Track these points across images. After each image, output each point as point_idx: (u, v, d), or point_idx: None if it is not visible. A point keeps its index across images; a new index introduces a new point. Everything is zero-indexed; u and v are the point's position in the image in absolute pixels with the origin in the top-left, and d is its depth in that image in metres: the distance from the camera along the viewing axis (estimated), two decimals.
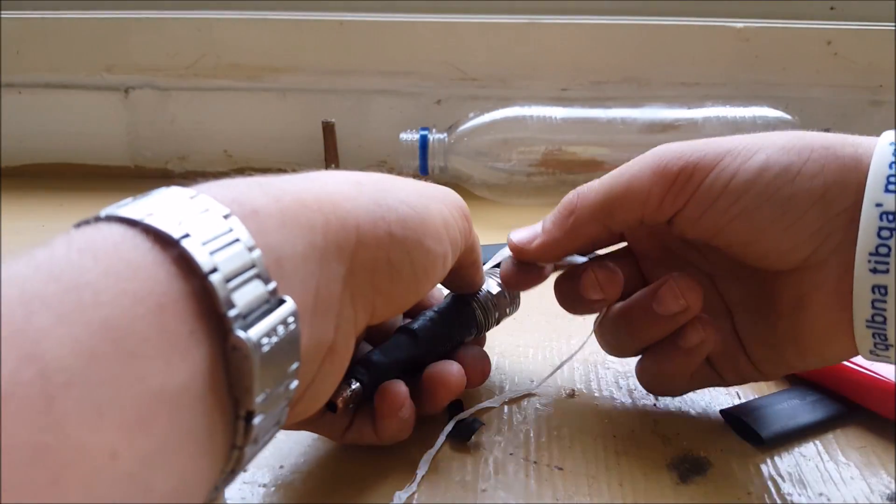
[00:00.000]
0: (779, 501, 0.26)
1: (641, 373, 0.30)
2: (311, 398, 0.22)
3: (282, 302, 0.18)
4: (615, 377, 0.34)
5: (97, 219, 0.17)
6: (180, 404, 0.15)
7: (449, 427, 0.29)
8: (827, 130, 0.53)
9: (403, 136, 0.55)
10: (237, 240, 0.17)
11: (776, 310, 0.26)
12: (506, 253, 0.31)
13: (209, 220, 0.17)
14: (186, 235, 0.16)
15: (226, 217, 0.18)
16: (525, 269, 0.30)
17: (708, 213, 0.25)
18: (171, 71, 0.59)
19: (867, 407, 0.30)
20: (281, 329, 0.18)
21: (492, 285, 0.32)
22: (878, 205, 0.22)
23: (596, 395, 0.32)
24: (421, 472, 0.28)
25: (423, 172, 0.55)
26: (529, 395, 0.32)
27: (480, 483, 0.27)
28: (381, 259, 0.23)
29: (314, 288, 0.20)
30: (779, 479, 0.27)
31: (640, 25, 0.56)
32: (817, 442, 0.29)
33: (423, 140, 0.54)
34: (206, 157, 0.63)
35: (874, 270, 0.22)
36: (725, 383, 0.29)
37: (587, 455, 0.28)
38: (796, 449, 0.29)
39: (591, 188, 0.28)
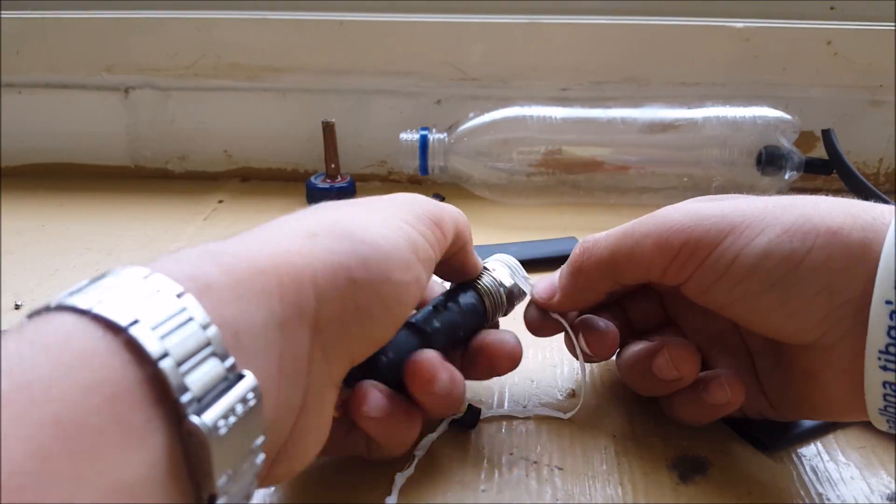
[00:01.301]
0: (779, 501, 0.26)
1: (666, 408, 0.30)
2: (292, 458, 0.21)
3: (241, 377, 0.18)
4: (615, 377, 0.34)
5: (48, 309, 0.17)
6: (140, 495, 0.15)
7: (445, 424, 0.30)
8: (827, 130, 0.53)
9: (403, 136, 0.55)
10: (190, 319, 0.17)
11: (791, 371, 0.26)
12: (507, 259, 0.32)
13: (161, 301, 0.17)
14: (135, 322, 0.16)
15: (179, 296, 0.17)
16: (549, 318, 0.31)
17: (712, 289, 0.25)
18: (171, 71, 0.59)
19: None
20: (240, 407, 0.17)
21: (495, 272, 0.31)
22: (889, 302, 0.21)
23: (596, 395, 0.32)
24: (419, 454, 0.28)
25: (423, 172, 0.55)
26: (552, 416, 0.32)
27: (480, 483, 0.27)
28: (348, 308, 0.22)
29: (277, 356, 0.20)
30: (779, 479, 0.27)
31: (640, 25, 0.56)
32: (817, 442, 0.29)
33: (423, 140, 0.54)
34: (206, 157, 0.63)
35: (885, 368, 0.22)
36: (745, 416, 0.29)
37: (587, 455, 0.28)
38: (796, 449, 0.29)
39: (598, 246, 0.28)
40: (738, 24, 0.56)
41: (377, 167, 0.63)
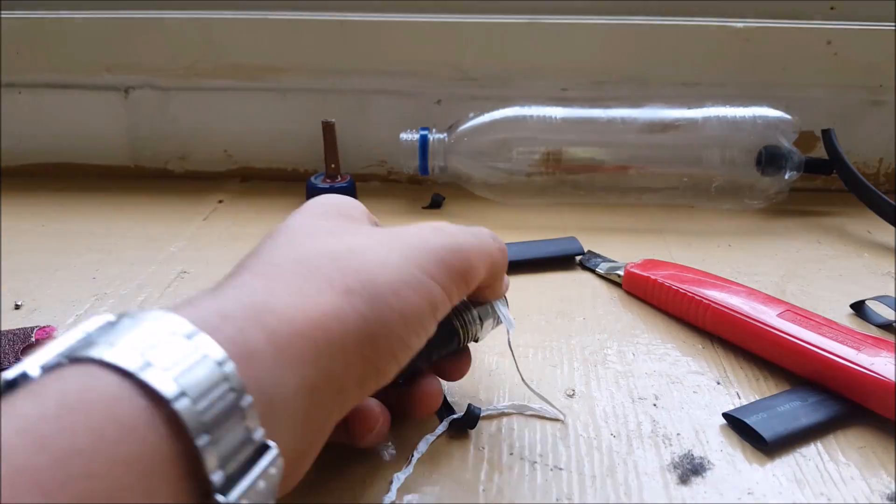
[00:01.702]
0: (778, 501, 0.26)
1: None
2: (287, 482, 0.22)
3: (266, 448, 0.18)
4: (615, 377, 0.34)
5: (90, 360, 0.16)
6: None
7: (445, 424, 0.30)
8: (827, 130, 0.53)
9: (403, 136, 0.55)
10: (230, 391, 0.17)
11: None
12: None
13: (204, 371, 0.17)
14: (181, 395, 0.16)
15: (220, 364, 0.17)
16: None
17: None
18: (171, 71, 0.59)
19: (867, 407, 0.30)
20: (262, 484, 0.17)
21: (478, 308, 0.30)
22: None
23: (596, 395, 0.32)
24: (418, 453, 0.28)
25: (423, 172, 0.55)
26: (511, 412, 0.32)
27: (480, 483, 0.27)
28: (368, 371, 0.22)
29: (303, 419, 0.20)
30: (779, 480, 0.27)
31: (640, 25, 0.56)
32: (817, 442, 0.29)
33: (423, 140, 0.54)
34: (206, 157, 0.63)
35: None
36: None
37: (587, 455, 0.28)
38: (796, 449, 0.29)
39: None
40: (738, 24, 0.56)
41: (377, 167, 0.63)
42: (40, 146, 0.63)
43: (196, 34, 0.58)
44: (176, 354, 0.17)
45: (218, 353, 0.17)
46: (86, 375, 0.16)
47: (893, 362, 0.30)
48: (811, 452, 0.28)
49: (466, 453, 0.28)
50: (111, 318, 0.18)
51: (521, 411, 0.31)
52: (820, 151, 0.55)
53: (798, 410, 0.30)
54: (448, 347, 0.29)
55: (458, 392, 0.32)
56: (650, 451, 0.29)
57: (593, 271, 0.45)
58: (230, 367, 0.17)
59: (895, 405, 0.29)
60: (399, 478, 0.27)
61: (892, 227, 0.50)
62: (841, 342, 0.32)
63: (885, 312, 0.39)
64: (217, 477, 0.16)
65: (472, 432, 0.30)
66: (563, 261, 0.46)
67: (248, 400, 0.17)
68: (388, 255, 0.24)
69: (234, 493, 0.17)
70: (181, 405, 0.16)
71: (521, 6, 0.59)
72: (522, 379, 0.31)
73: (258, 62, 0.59)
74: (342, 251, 0.24)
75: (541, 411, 0.31)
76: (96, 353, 0.16)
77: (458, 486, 0.27)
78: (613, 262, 0.45)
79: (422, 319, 0.23)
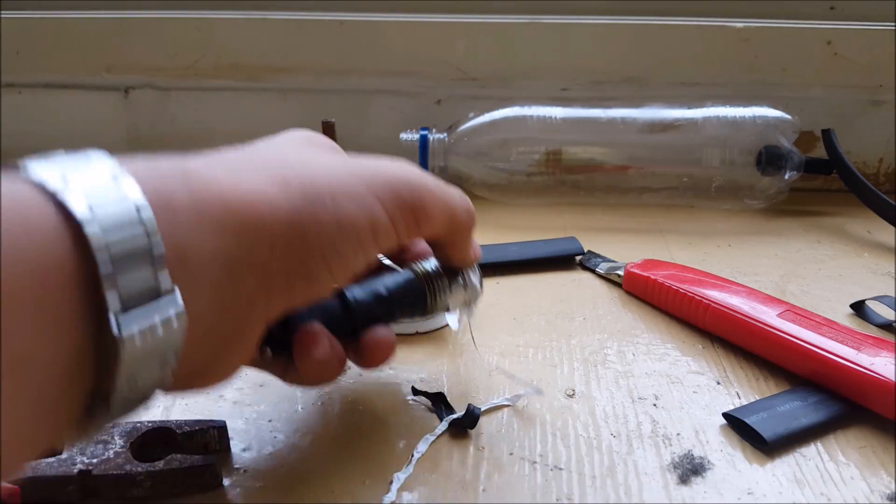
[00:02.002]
0: (778, 502, 0.26)
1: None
2: (211, 375, 0.23)
3: (173, 299, 0.18)
4: (615, 377, 0.34)
5: (19, 169, 0.17)
6: (39, 374, 0.16)
7: (445, 424, 0.30)
8: (827, 130, 0.53)
9: (403, 136, 0.55)
10: (142, 229, 0.17)
11: None
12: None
13: (122, 208, 0.17)
14: (90, 220, 0.17)
15: (138, 209, 0.18)
16: None
17: None
18: (171, 71, 0.59)
19: (867, 407, 0.30)
20: (160, 332, 0.18)
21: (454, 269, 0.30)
22: None
23: (596, 395, 0.32)
24: (418, 453, 0.28)
25: None
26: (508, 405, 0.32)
27: (480, 483, 0.27)
28: (296, 266, 0.22)
29: (218, 290, 0.20)
30: (779, 480, 0.27)
31: (640, 25, 0.56)
32: (817, 442, 0.29)
33: (423, 140, 0.54)
34: None
35: None
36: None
37: (587, 455, 0.28)
38: (796, 449, 0.29)
39: None
40: (738, 24, 0.56)
41: None
42: (40, 146, 0.63)
43: (196, 34, 0.58)
44: (98, 187, 0.17)
45: (138, 196, 0.18)
46: (14, 182, 0.17)
47: (893, 362, 0.30)
48: (811, 452, 0.28)
49: (466, 453, 0.28)
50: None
51: (514, 402, 0.31)
52: (820, 151, 0.55)
53: (798, 410, 0.30)
54: (414, 309, 0.29)
55: (458, 392, 0.32)
56: (650, 451, 0.29)
57: (593, 271, 0.45)
58: (147, 213, 0.18)
59: (895, 405, 0.29)
60: (399, 478, 0.27)
61: (892, 227, 0.50)
62: (841, 342, 0.32)
63: (885, 312, 0.39)
64: (113, 301, 0.16)
65: (472, 432, 0.30)
66: (563, 261, 0.46)
67: (160, 248, 0.18)
68: (337, 167, 0.24)
69: (130, 326, 0.17)
70: (91, 229, 0.16)
71: (521, 6, 0.59)
72: (476, 347, 0.31)
73: (258, 62, 0.59)
74: (292, 158, 0.24)
75: (528, 393, 0.31)
76: (30, 166, 0.17)
77: (459, 486, 0.27)
78: (613, 262, 0.45)
79: (358, 232, 0.23)
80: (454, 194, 0.27)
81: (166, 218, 0.18)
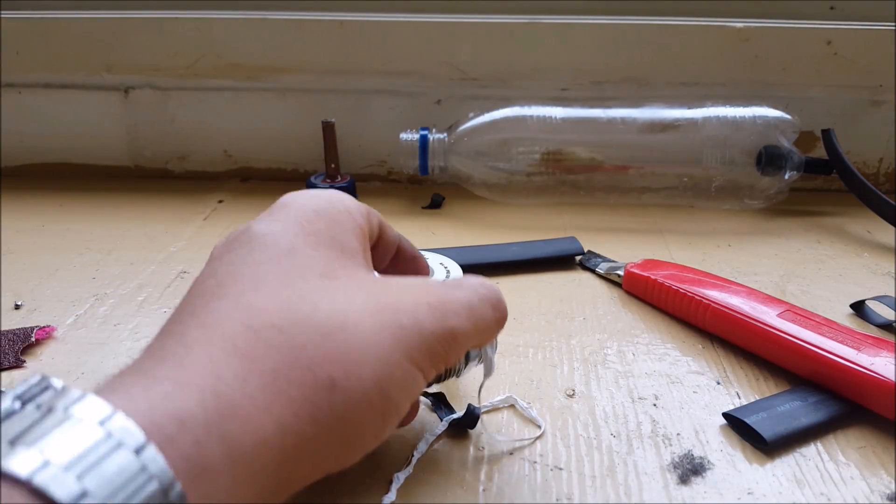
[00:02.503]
0: (778, 502, 0.26)
1: None
2: None
3: None
4: (615, 377, 0.34)
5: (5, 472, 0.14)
6: None
7: (445, 424, 0.30)
8: (827, 130, 0.53)
9: (403, 136, 0.55)
10: None
11: None
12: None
13: (147, 499, 0.15)
14: None
15: (165, 491, 0.15)
16: None
17: None
18: (171, 71, 0.59)
19: (867, 407, 0.30)
20: None
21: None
22: None
23: (596, 395, 0.32)
24: (418, 453, 0.28)
25: (423, 172, 0.55)
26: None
27: (480, 483, 0.27)
28: (335, 463, 0.21)
29: None
30: (779, 480, 0.27)
31: (640, 25, 0.56)
32: (817, 442, 0.29)
33: (423, 140, 0.54)
34: (206, 157, 0.63)
35: None
36: None
37: (587, 455, 0.28)
38: (796, 449, 0.29)
39: None
40: (738, 24, 0.56)
41: (377, 167, 0.63)
42: (40, 146, 0.63)
43: (196, 34, 0.58)
44: (117, 479, 0.15)
45: (167, 475, 0.15)
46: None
47: (893, 362, 0.30)
48: (811, 452, 0.28)
49: (466, 453, 0.28)
50: (55, 384, 0.16)
51: (513, 402, 0.31)
52: (820, 151, 0.55)
53: (798, 410, 0.30)
54: (430, 383, 0.29)
55: (458, 392, 0.32)
56: (650, 451, 0.29)
57: (593, 271, 0.45)
58: (177, 491, 0.15)
59: (895, 405, 0.29)
60: (399, 478, 0.27)
61: (892, 227, 0.50)
62: (841, 342, 0.32)
63: (885, 312, 0.39)
64: None
65: (472, 432, 0.30)
66: (563, 261, 0.46)
67: None
68: (380, 337, 0.21)
69: None
70: None
71: (521, 6, 0.59)
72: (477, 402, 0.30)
73: (258, 62, 0.59)
74: (334, 325, 0.20)
75: (526, 412, 0.31)
76: (13, 465, 0.14)
77: (458, 486, 0.27)
78: (613, 262, 0.45)
79: (398, 411, 0.21)
80: (486, 313, 0.24)
81: (199, 488, 0.16)
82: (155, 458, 0.15)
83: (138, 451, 0.15)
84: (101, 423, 0.15)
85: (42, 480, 0.14)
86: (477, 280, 0.24)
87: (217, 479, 0.17)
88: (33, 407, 0.16)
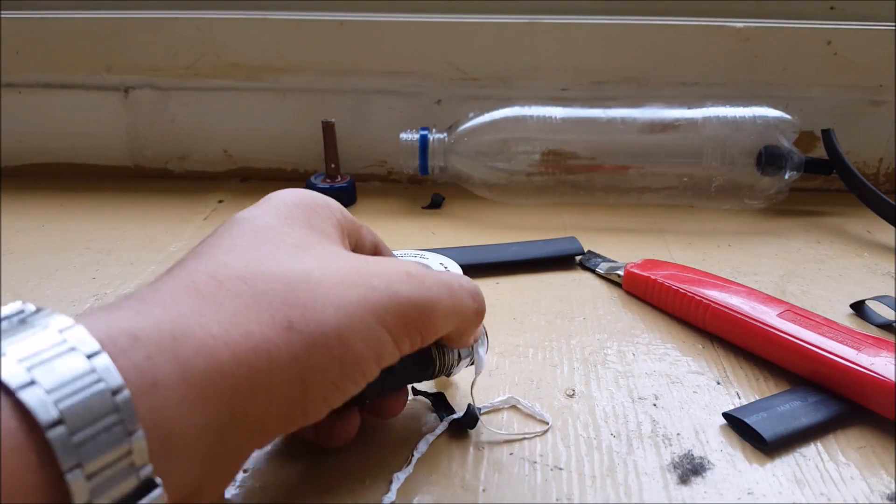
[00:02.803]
0: (778, 502, 0.26)
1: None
2: (200, 497, 0.20)
3: (153, 486, 0.17)
4: (615, 377, 0.34)
5: None
6: None
7: (445, 424, 0.30)
8: (827, 130, 0.53)
9: (403, 135, 0.55)
10: (118, 423, 0.16)
11: None
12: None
13: (93, 399, 0.16)
14: (60, 422, 0.15)
15: (114, 392, 0.16)
16: None
17: None
18: (171, 71, 0.59)
19: (867, 407, 0.30)
20: None
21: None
22: None
23: (596, 395, 0.32)
24: (418, 453, 0.28)
25: (423, 172, 0.55)
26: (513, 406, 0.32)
27: (480, 483, 0.27)
28: (294, 409, 0.21)
29: (205, 457, 0.19)
30: (779, 480, 0.27)
31: (640, 25, 0.56)
32: (817, 442, 0.29)
33: (423, 140, 0.54)
34: (206, 157, 0.63)
35: None
36: None
37: (587, 455, 0.28)
38: (796, 449, 0.29)
39: None
40: (738, 24, 0.56)
41: (377, 167, 0.63)
42: (40, 146, 0.63)
43: (196, 34, 0.58)
44: (66, 374, 0.16)
45: (115, 379, 0.16)
46: None
47: (893, 362, 0.30)
48: (811, 452, 0.28)
49: (466, 453, 0.28)
50: (28, 308, 0.17)
51: (514, 403, 0.31)
52: (820, 151, 0.55)
53: (798, 410, 0.30)
54: (421, 377, 0.29)
55: (458, 392, 0.32)
56: (650, 451, 0.29)
57: (593, 271, 0.45)
58: (125, 396, 0.16)
59: (895, 405, 0.29)
60: (399, 478, 0.27)
61: (892, 227, 0.50)
62: (841, 342, 0.32)
63: (885, 312, 0.39)
64: (80, 493, 0.15)
65: (472, 432, 0.30)
66: (563, 261, 0.46)
67: (138, 435, 0.16)
68: (346, 293, 0.22)
69: None
70: (55, 433, 0.15)
71: (521, 6, 0.59)
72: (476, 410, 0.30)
73: (258, 62, 0.59)
74: (298, 277, 0.21)
75: (530, 409, 0.31)
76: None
77: (459, 486, 0.27)
78: (613, 262, 0.45)
79: (362, 368, 0.22)
80: (465, 298, 0.25)
81: (149, 401, 0.17)
82: (106, 364, 0.16)
83: (90, 356, 0.16)
84: (61, 331, 0.16)
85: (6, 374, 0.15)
86: (458, 272, 0.26)
87: (167, 395, 0.17)
88: (14, 322, 0.17)
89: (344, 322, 0.21)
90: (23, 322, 0.17)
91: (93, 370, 0.16)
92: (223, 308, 0.20)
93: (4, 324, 0.17)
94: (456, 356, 0.29)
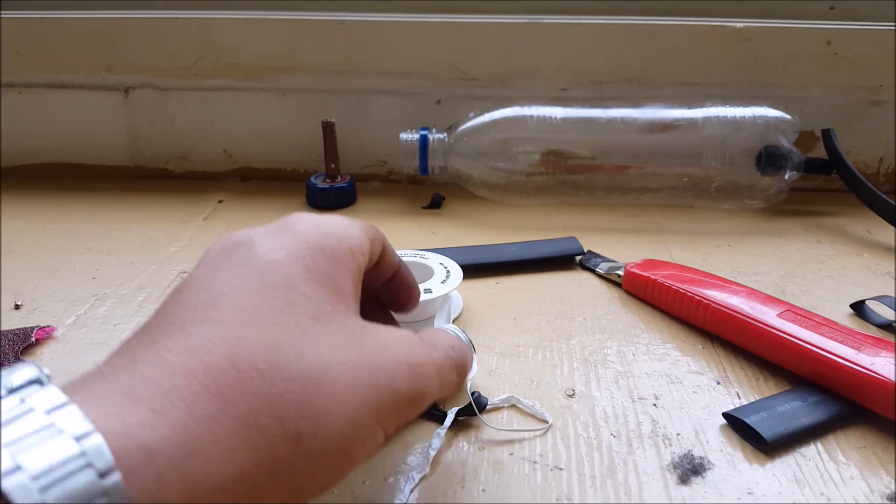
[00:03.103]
0: (778, 502, 0.26)
1: None
2: None
3: None
4: (615, 377, 0.34)
5: None
6: None
7: (451, 416, 0.30)
8: (827, 130, 0.53)
9: (403, 136, 0.55)
10: None
11: None
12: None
13: (78, 481, 0.15)
14: None
15: (102, 477, 0.15)
16: None
17: None
18: (171, 71, 0.59)
19: (867, 407, 0.30)
20: None
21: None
22: None
23: (596, 395, 0.32)
24: (433, 450, 0.28)
25: (423, 172, 0.55)
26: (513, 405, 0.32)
27: (480, 483, 0.27)
28: None
29: None
30: (779, 480, 0.27)
31: (640, 25, 0.56)
32: (817, 442, 0.29)
33: (423, 140, 0.54)
34: (206, 157, 0.63)
35: None
36: None
37: (587, 455, 0.28)
38: (796, 449, 0.29)
39: None
40: (738, 24, 0.56)
41: (377, 167, 0.63)
42: (40, 146, 0.63)
43: (196, 34, 0.58)
44: (76, 496, 0.15)
45: (106, 460, 0.16)
46: None
47: (893, 362, 0.30)
48: (811, 452, 0.28)
49: (466, 453, 0.28)
50: (41, 378, 0.17)
51: (514, 403, 0.31)
52: (820, 151, 0.55)
53: (798, 410, 0.30)
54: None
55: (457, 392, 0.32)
56: (650, 451, 0.29)
57: (593, 271, 0.45)
58: (117, 483, 0.16)
59: (895, 405, 0.29)
60: (414, 477, 0.27)
61: (892, 227, 0.50)
62: (841, 342, 0.32)
63: (885, 312, 0.39)
64: None
65: (472, 432, 0.30)
66: (563, 261, 0.46)
67: None
68: (354, 395, 0.21)
69: None
70: None
71: (521, 6, 0.59)
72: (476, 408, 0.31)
73: (258, 62, 0.59)
74: (314, 377, 0.20)
75: (530, 408, 0.31)
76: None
77: (459, 486, 0.27)
78: (613, 262, 0.45)
79: (354, 467, 0.21)
80: (450, 377, 0.25)
81: (141, 481, 0.16)
82: (117, 486, 0.16)
83: (104, 475, 0.16)
84: (78, 439, 0.16)
85: (9, 485, 0.14)
86: (450, 340, 0.25)
87: (160, 470, 0.17)
88: (17, 399, 0.16)
89: (349, 432, 0.20)
90: (32, 409, 0.16)
91: (105, 493, 0.16)
92: (237, 414, 0.19)
93: (15, 400, 0.16)
94: None
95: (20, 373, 0.17)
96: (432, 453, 0.28)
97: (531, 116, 0.53)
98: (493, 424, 0.30)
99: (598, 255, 0.46)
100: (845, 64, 0.56)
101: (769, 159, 0.51)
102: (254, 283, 0.22)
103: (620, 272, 0.43)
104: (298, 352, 0.21)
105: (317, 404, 0.20)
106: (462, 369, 0.25)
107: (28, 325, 0.37)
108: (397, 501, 0.26)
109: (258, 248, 0.23)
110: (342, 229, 0.25)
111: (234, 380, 0.19)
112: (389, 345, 0.23)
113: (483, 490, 0.26)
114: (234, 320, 0.21)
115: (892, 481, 0.27)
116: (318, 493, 0.21)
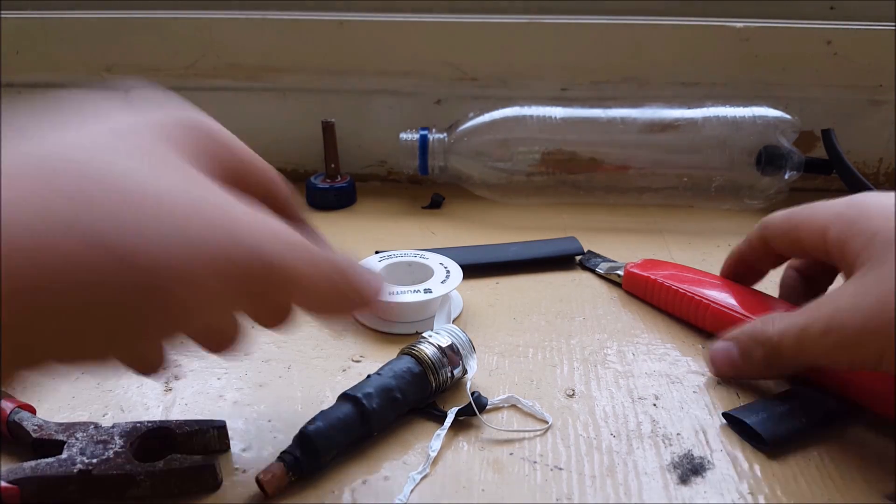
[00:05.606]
0: (779, 502, 0.26)
1: None
2: None
3: None
4: (615, 377, 0.34)
5: None
6: None
7: (452, 416, 0.30)
8: (827, 130, 0.53)
9: (403, 135, 0.55)
10: None
11: None
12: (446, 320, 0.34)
13: None
14: None
15: None
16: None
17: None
18: (171, 71, 0.59)
19: (867, 407, 0.30)
20: None
21: (432, 338, 0.32)
22: None
23: (596, 395, 0.32)
24: (433, 451, 0.28)
25: (423, 172, 0.55)
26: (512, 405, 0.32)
27: (480, 483, 0.27)
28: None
29: None
30: (779, 480, 0.27)
31: (640, 25, 0.56)
32: (817, 442, 0.29)
33: (423, 140, 0.54)
34: None
35: None
36: None
37: (587, 455, 0.28)
38: (796, 449, 0.29)
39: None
40: (738, 24, 0.56)
41: (377, 167, 0.63)
42: None
43: (196, 34, 0.58)
44: None
45: None
46: None
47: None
48: (811, 452, 0.28)
49: (466, 453, 0.28)
50: None
51: (514, 402, 0.31)
52: (820, 151, 0.55)
53: (798, 410, 0.30)
54: (422, 399, 0.30)
55: (458, 392, 0.32)
56: (650, 451, 0.29)
57: (593, 271, 0.45)
58: None
59: (895, 405, 0.29)
60: (414, 477, 0.27)
61: None
62: None
63: None
64: None
65: (473, 433, 0.30)
66: (562, 261, 0.46)
67: None
68: (187, 224, 0.19)
69: None
70: None
71: (521, 6, 0.59)
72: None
73: (258, 62, 0.59)
74: (134, 191, 0.19)
75: (530, 408, 0.31)
76: None
77: (459, 486, 0.27)
78: (613, 262, 0.45)
79: (169, 309, 0.19)
80: (325, 269, 0.22)
81: None
82: None
83: None
84: None
85: None
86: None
87: None
88: None
89: (165, 261, 0.18)
90: None
91: None
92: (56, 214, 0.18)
93: None
94: (448, 373, 0.31)
95: None
96: (432, 453, 0.28)
97: (531, 116, 0.53)
98: (493, 424, 0.30)
99: (597, 255, 0.46)
100: (845, 64, 0.56)
101: (769, 159, 0.51)
102: (109, 133, 0.21)
103: (620, 272, 0.43)
104: (127, 168, 0.19)
105: (134, 218, 0.18)
106: (345, 278, 0.22)
107: None
108: (397, 501, 0.26)
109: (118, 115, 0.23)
110: (212, 122, 0.25)
111: (48, 176, 0.18)
112: (259, 213, 0.21)
113: (483, 490, 0.26)
114: (74, 141, 0.20)
115: (892, 481, 0.27)
116: (133, 328, 0.19)
